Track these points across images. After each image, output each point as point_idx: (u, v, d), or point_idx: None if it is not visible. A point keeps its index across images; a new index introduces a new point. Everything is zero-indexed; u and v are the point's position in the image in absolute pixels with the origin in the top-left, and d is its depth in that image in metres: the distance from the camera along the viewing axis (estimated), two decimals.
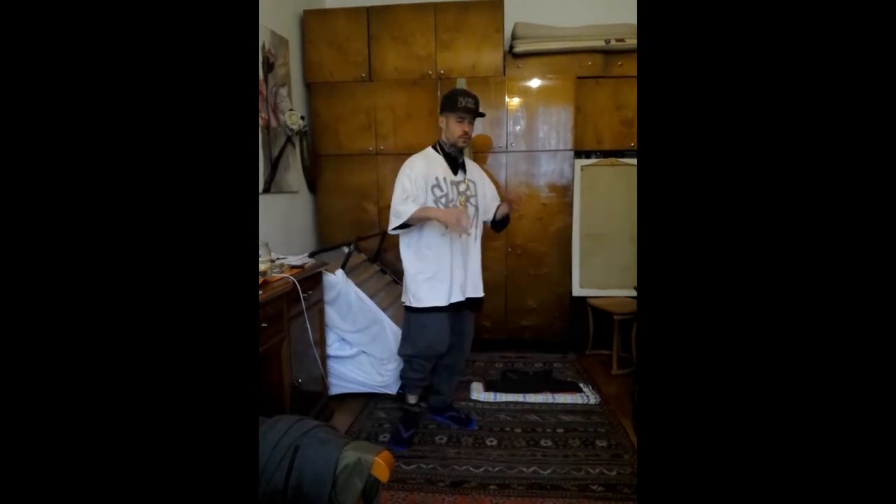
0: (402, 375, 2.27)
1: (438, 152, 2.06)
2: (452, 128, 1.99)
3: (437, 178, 1.99)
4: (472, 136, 2.08)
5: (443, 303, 2.03)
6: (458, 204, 2.02)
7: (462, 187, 2.05)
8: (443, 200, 1.99)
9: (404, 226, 1.93)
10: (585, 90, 3.06)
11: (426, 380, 2.22)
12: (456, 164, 2.05)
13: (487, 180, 2.20)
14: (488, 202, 2.16)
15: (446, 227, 1.90)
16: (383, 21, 3.01)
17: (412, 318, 2.10)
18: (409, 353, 2.14)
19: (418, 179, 1.96)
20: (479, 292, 2.15)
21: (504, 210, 2.16)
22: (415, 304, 2.05)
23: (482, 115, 2.04)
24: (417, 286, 2.04)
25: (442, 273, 2.02)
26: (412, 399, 2.24)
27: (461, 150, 2.05)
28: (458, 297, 2.06)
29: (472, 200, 2.07)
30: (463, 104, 1.96)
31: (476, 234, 2.10)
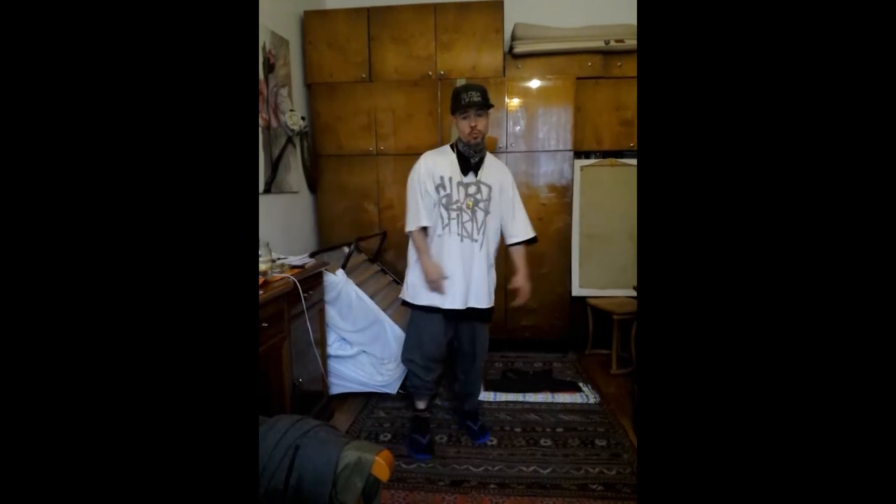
0: (407, 385, 2.27)
1: (453, 150, 2.02)
2: (461, 126, 1.95)
3: (441, 178, 1.97)
4: (484, 129, 1.94)
5: (438, 304, 2.01)
6: (463, 206, 1.97)
7: (472, 189, 1.99)
8: (444, 201, 1.97)
9: None
10: (585, 91, 3.06)
11: (431, 388, 2.20)
12: (468, 165, 1.99)
13: (509, 187, 2.06)
14: (503, 208, 2.05)
15: (427, 273, 1.98)
16: (383, 22, 3.01)
17: (414, 316, 2.11)
18: (410, 358, 2.13)
19: (425, 182, 1.98)
20: (481, 303, 2.04)
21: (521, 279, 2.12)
22: (410, 300, 2.07)
23: (490, 105, 1.94)
24: (416, 281, 2.05)
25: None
26: (421, 405, 2.20)
27: (476, 151, 1.98)
28: (457, 305, 2.00)
29: (480, 205, 1.99)
30: (466, 100, 1.90)
31: (483, 241, 2.01)
